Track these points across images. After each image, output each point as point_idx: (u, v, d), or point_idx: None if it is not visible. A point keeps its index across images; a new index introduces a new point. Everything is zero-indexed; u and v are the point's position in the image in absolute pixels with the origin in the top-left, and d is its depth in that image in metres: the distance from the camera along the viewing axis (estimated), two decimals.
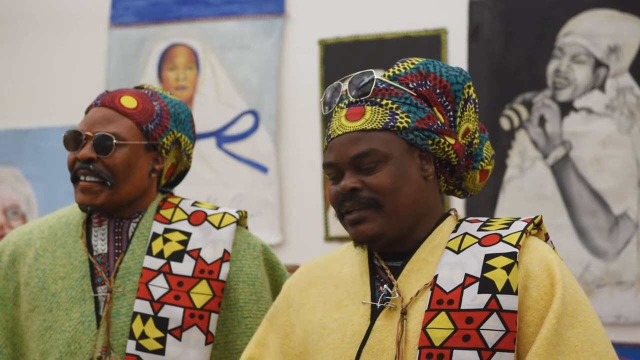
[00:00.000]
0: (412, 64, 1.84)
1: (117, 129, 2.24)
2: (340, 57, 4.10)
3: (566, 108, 3.79)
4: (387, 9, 4.08)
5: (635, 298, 3.68)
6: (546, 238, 1.84)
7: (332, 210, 4.10)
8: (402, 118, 1.77)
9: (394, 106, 1.78)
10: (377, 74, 1.82)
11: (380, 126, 1.77)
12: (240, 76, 4.28)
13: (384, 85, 1.81)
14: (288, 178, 4.22)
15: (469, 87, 1.85)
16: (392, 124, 1.77)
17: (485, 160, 1.90)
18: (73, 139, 2.25)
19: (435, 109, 1.81)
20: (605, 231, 3.72)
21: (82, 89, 4.38)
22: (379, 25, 4.07)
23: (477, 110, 1.86)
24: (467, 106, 1.84)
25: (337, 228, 4.09)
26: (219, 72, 4.32)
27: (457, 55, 3.91)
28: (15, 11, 4.65)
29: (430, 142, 1.79)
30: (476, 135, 1.87)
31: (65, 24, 4.56)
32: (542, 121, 3.82)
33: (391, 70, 1.84)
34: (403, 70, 1.83)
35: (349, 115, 1.80)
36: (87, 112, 2.31)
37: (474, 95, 1.86)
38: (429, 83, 1.81)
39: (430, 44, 3.97)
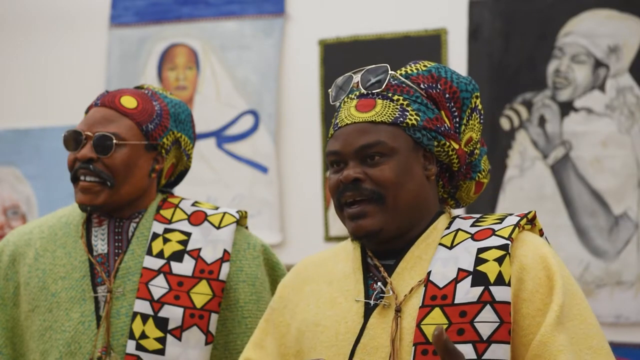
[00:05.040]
0: (425, 66, 1.85)
1: (117, 129, 2.24)
2: (340, 57, 4.10)
3: (566, 108, 3.80)
4: (387, 9, 4.08)
5: (635, 298, 3.68)
6: (541, 234, 1.84)
7: (332, 210, 4.10)
8: (411, 115, 1.78)
9: (405, 103, 1.79)
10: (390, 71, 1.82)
11: (390, 120, 1.77)
12: (240, 76, 4.28)
13: (396, 81, 1.81)
14: (288, 178, 4.22)
15: (477, 97, 1.86)
16: (401, 119, 1.78)
17: (483, 173, 1.91)
18: (73, 139, 2.25)
19: (443, 112, 1.82)
20: (605, 231, 3.72)
21: (82, 89, 4.39)
22: (379, 25, 4.07)
23: (481, 121, 1.87)
24: (473, 115, 1.85)
25: (337, 228, 4.09)
26: (219, 72, 4.32)
27: (457, 55, 3.91)
28: (15, 11, 4.65)
29: (435, 143, 1.80)
30: (477, 146, 1.88)
31: (65, 24, 4.56)
32: (542, 121, 3.82)
33: (403, 69, 1.85)
34: (415, 71, 1.83)
35: (359, 106, 1.80)
36: (87, 112, 2.31)
37: (480, 106, 1.87)
38: (439, 86, 1.82)
39: (430, 44, 3.97)
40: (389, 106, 1.79)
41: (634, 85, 3.71)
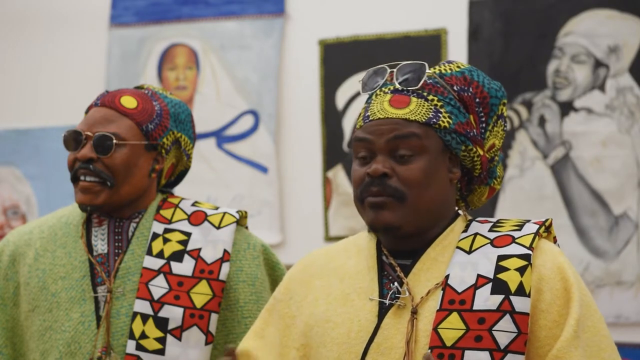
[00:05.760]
0: (458, 67, 1.83)
1: (117, 129, 2.24)
2: (340, 57, 4.10)
3: (566, 108, 3.80)
4: (387, 9, 4.08)
5: (635, 298, 3.68)
6: (554, 241, 1.84)
7: (332, 210, 4.10)
8: (444, 117, 1.77)
9: (439, 104, 1.78)
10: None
11: (424, 120, 1.76)
12: (240, 76, 4.28)
13: (431, 80, 1.80)
14: (288, 178, 4.22)
15: (504, 104, 1.85)
16: (434, 120, 1.76)
17: (497, 179, 1.90)
18: (73, 139, 2.25)
19: (471, 116, 1.81)
20: (605, 231, 3.72)
21: (82, 89, 4.38)
22: (379, 25, 4.07)
23: (505, 128, 1.87)
24: (498, 122, 1.84)
25: (337, 228, 4.09)
26: (219, 72, 4.32)
27: (457, 55, 3.91)
28: (15, 11, 4.65)
29: (463, 147, 1.79)
30: (498, 153, 1.87)
31: (65, 23, 4.56)
32: (542, 121, 3.82)
33: (437, 67, 1.84)
34: (449, 71, 1.82)
35: (393, 101, 1.78)
36: (87, 112, 2.31)
37: (505, 113, 1.86)
38: (471, 90, 1.81)
39: (430, 44, 3.97)
40: (424, 105, 1.77)
41: (634, 85, 3.71)
